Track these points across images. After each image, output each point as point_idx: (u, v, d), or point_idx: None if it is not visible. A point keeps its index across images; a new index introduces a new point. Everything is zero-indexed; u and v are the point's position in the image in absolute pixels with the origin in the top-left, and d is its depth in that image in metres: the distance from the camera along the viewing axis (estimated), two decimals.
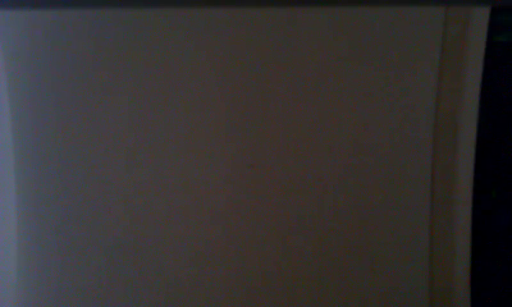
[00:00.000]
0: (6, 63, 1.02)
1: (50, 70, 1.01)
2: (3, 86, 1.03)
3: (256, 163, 1.03)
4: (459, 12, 1.00)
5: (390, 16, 0.99)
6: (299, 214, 1.05)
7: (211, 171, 1.03)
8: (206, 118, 1.02)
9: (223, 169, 1.03)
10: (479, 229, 1.08)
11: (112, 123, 1.02)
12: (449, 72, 1.01)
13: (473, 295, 1.07)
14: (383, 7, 0.99)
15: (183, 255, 1.05)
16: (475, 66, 1.01)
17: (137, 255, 1.05)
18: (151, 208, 1.04)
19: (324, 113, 1.02)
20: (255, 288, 1.06)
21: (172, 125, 1.02)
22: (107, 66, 1.01)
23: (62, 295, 1.07)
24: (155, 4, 0.97)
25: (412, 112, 1.02)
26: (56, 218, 1.05)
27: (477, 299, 1.09)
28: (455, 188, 1.04)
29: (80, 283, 1.06)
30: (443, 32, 1.00)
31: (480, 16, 1.01)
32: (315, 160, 1.03)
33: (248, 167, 1.03)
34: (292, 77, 1.01)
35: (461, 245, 1.06)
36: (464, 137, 1.03)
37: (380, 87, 1.02)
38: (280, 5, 0.98)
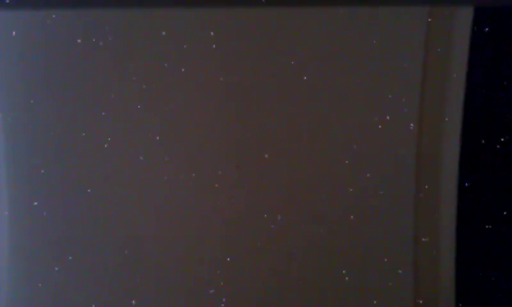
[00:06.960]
0: (4, 63, 1.04)
1: (49, 69, 1.03)
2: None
3: (243, 164, 1.03)
4: (443, 8, 0.99)
5: (373, 15, 0.99)
6: (290, 215, 1.04)
7: (204, 171, 1.03)
8: (203, 117, 1.03)
9: (211, 169, 1.03)
10: (464, 231, 1.05)
11: (109, 123, 1.04)
12: (434, 68, 1.00)
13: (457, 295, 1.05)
14: (368, 7, 0.99)
15: (180, 255, 1.05)
16: (460, 61, 1.00)
17: (131, 255, 1.06)
18: (144, 207, 1.05)
19: (314, 113, 1.02)
20: (253, 288, 1.05)
21: (166, 125, 1.03)
22: (104, 65, 1.02)
23: (55, 294, 1.07)
24: (154, 4, 0.99)
25: (396, 108, 1.01)
26: (51, 217, 1.06)
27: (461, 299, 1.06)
28: (440, 185, 1.03)
29: (75, 283, 1.07)
30: (427, 29, 0.99)
31: (465, 11, 1.00)
32: (306, 161, 1.03)
33: (235, 168, 1.03)
34: (284, 77, 1.01)
35: (447, 247, 1.04)
36: (449, 132, 1.02)
37: (365, 85, 1.01)
38: (278, 5, 0.99)
